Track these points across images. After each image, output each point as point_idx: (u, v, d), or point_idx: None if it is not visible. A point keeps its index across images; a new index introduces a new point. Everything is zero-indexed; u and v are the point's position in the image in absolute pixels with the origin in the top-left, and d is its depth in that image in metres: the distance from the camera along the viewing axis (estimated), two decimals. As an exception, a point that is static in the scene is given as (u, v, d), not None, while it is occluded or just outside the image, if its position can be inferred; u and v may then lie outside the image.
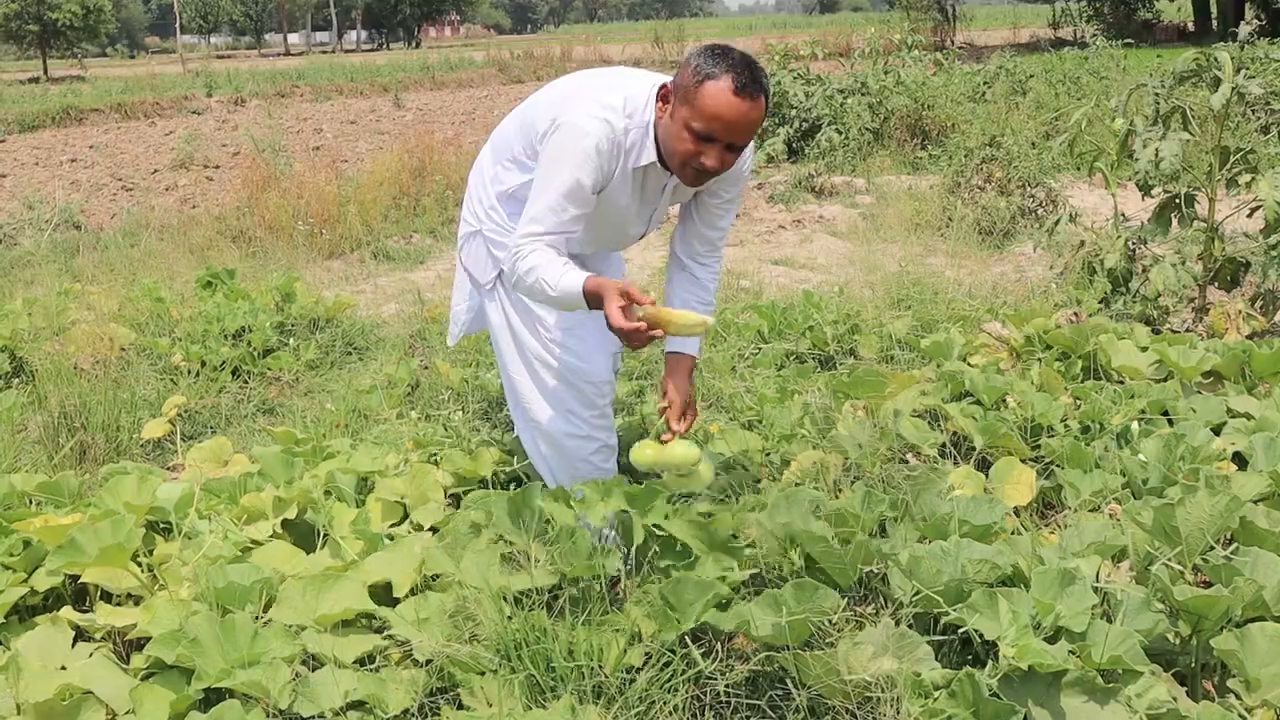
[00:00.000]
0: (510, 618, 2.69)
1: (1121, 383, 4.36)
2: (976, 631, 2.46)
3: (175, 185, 13.30)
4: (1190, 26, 38.70)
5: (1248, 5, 36.77)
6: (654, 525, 2.91)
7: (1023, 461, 3.62)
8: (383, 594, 3.00)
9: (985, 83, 14.23)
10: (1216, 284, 5.75)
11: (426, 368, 5.53)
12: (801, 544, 2.80)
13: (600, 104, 2.99)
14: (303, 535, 3.48)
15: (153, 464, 4.67)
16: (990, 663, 2.38)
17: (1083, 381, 4.31)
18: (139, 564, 3.13)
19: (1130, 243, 5.61)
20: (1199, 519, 2.83)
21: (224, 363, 5.60)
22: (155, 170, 14.70)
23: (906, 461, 3.60)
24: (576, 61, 35.79)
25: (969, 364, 4.55)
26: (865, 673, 2.31)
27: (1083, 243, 5.94)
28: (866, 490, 3.12)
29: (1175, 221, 5.66)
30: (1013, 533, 3.06)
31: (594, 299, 2.79)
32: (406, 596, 2.95)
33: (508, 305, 3.40)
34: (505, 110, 16.88)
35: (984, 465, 3.77)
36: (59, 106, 24.23)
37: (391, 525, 3.50)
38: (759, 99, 2.82)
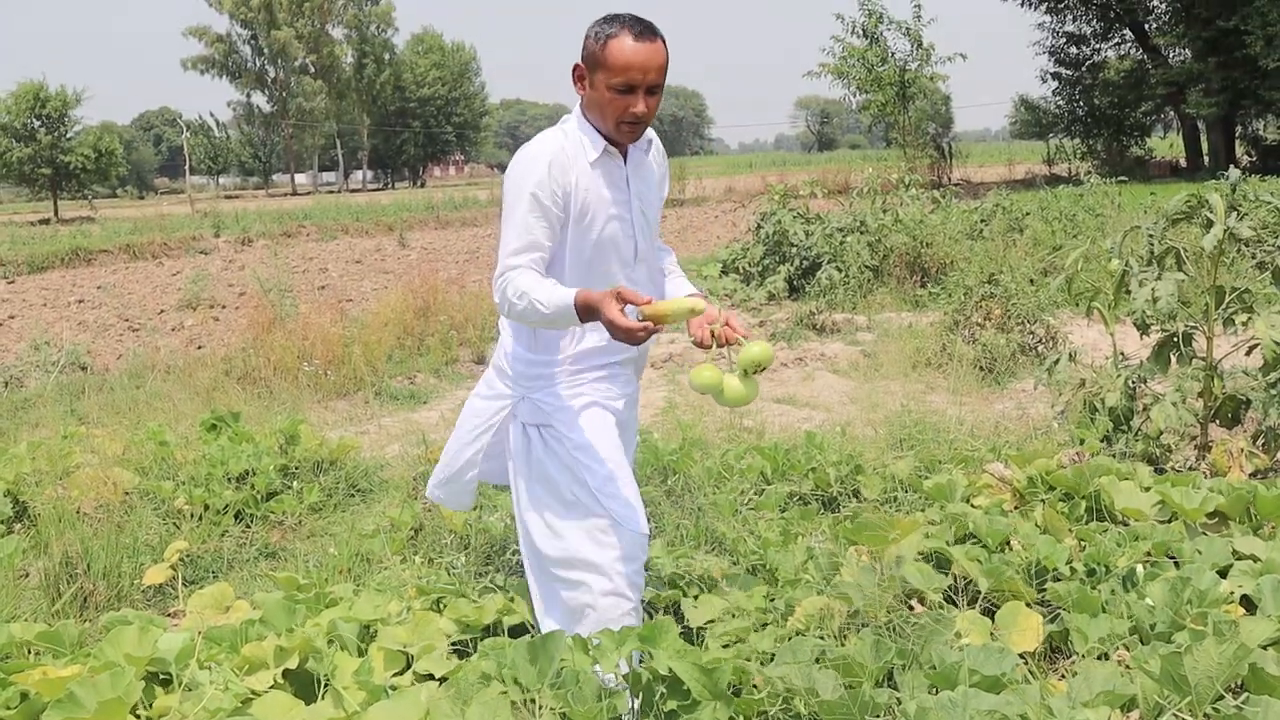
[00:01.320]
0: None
1: (1125, 524, 4.35)
2: (987, 786, 2.42)
3: (182, 325, 13.43)
4: (1182, 163, 39.37)
5: (1238, 142, 37.48)
6: (664, 668, 2.89)
7: (1028, 605, 3.60)
8: (384, 749, 2.96)
9: (982, 220, 14.44)
10: (1218, 421, 5.76)
11: (429, 510, 5.52)
12: (802, 697, 2.78)
13: (537, 138, 3.30)
14: (304, 685, 3.45)
15: (154, 610, 4.65)
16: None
17: (1086, 523, 4.31)
18: (137, 717, 3.10)
19: (1130, 381, 5.64)
20: (1207, 667, 2.80)
21: (227, 506, 5.60)
22: (162, 310, 14.86)
23: (912, 607, 3.58)
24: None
25: (972, 505, 4.55)
26: (874, 831, 2.27)
27: (1083, 381, 5.98)
28: (875, 639, 3.10)
29: (1174, 360, 5.71)
30: (1020, 681, 3.03)
31: (586, 310, 2.95)
32: (409, 751, 2.92)
33: (541, 450, 3.40)
34: (508, 250, 17.05)
35: (989, 610, 3.74)
36: (68, 248, 24.59)
37: (394, 674, 3.47)
38: (657, 40, 3.13)
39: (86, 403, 8.34)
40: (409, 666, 3.49)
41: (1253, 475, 5.18)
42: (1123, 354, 6.01)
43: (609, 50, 3.10)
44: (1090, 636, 3.34)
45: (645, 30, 3.12)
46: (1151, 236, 5.80)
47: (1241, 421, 5.78)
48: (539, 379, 3.42)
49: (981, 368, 8.59)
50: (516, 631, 3.50)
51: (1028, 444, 5.66)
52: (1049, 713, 2.70)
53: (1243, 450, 5.37)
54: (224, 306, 14.97)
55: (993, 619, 3.53)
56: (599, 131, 3.27)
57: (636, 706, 2.91)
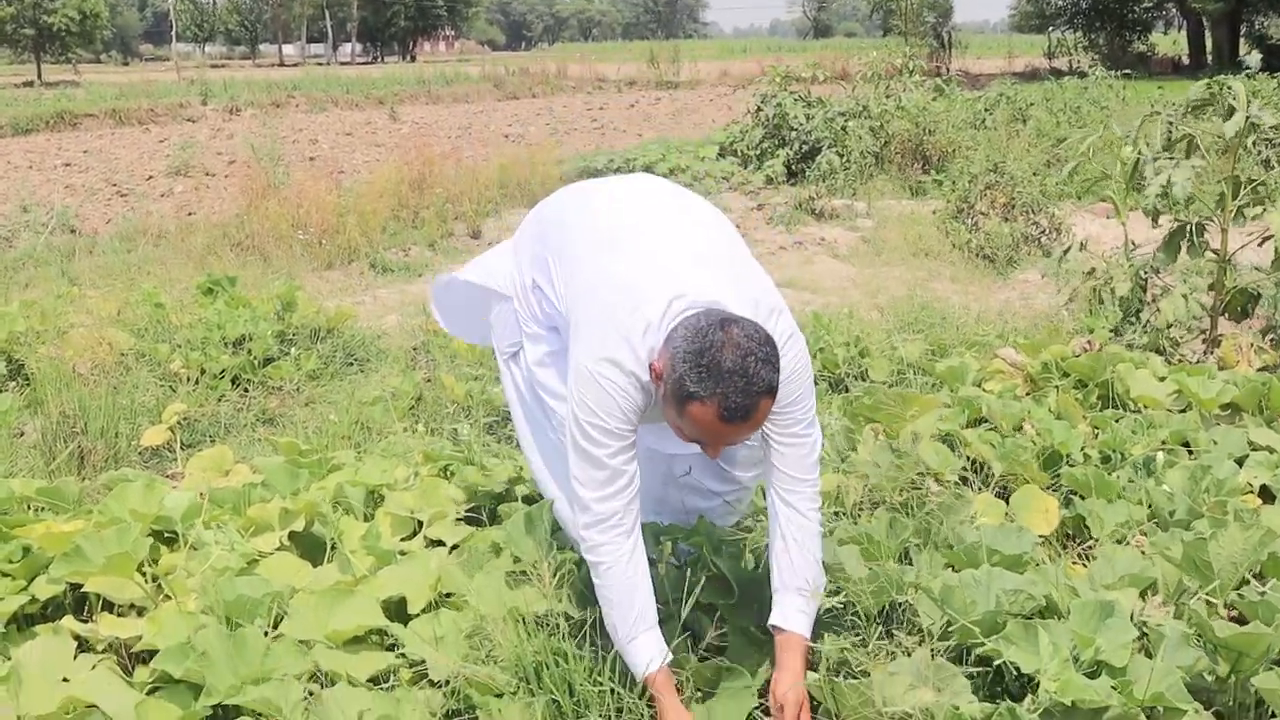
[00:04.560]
0: (530, 637, 2.62)
1: (1138, 412, 4.30)
2: (1012, 664, 2.39)
3: (171, 192, 13.22)
4: (1185, 60, 38.90)
5: (1242, 40, 36.98)
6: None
7: (1042, 490, 3.56)
8: (395, 611, 2.93)
9: (986, 109, 14.23)
10: (1226, 315, 5.71)
11: (430, 381, 5.45)
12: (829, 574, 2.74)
13: (624, 352, 2.50)
14: (310, 548, 3.41)
15: (151, 471, 4.59)
16: (1029, 697, 2.32)
17: (1101, 410, 4.26)
18: (143, 574, 3.05)
19: (1142, 272, 5.56)
20: (1231, 553, 2.77)
21: (224, 371, 5.52)
22: (150, 176, 14.62)
23: (926, 488, 3.53)
24: (572, 80, 35.79)
25: (984, 390, 4.50)
26: (903, 705, 2.24)
27: (1093, 270, 5.89)
28: (892, 517, 3.06)
29: (1185, 251, 5.63)
30: (1040, 562, 3.00)
31: (654, 695, 2.49)
32: (421, 614, 2.88)
33: (523, 378, 3.16)
34: (501, 126, 16.68)
35: (1002, 494, 3.70)
36: (53, 111, 24.15)
37: (402, 540, 3.42)
38: (754, 415, 2.36)
39: (78, 265, 8.22)
40: (417, 532, 3.45)
41: (1260, 370, 5.14)
42: (1133, 244, 5.92)
43: (688, 412, 2.36)
44: (1107, 521, 3.30)
45: (741, 407, 2.33)
46: (1170, 122, 5.69)
47: (1250, 315, 5.73)
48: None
49: (984, 256, 8.50)
50: (530, 501, 3.44)
51: (1035, 332, 5.60)
52: (1073, 593, 2.66)
53: (1251, 345, 5.32)
54: (213, 174, 14.72)
55: (1007, 502, 3.50)
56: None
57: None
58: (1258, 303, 5.63)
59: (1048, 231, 8.94)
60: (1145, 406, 4.27)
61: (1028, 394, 4.51)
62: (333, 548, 3.30)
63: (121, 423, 4.80)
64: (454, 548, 3.27)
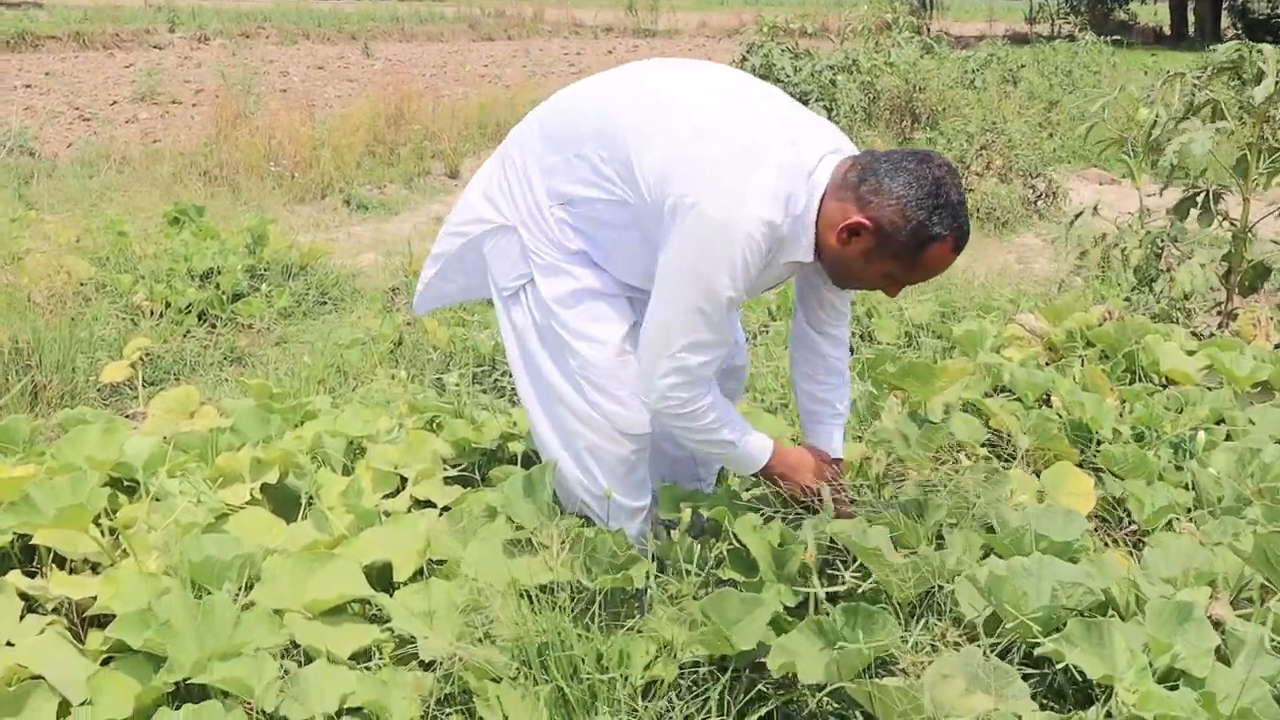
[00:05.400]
0: (534, 614, 2.35)
1: (1165, 386, 4.06)
2: (1076, 669, 2.14)
3: (136, 118, 12.74)
4: (1166, 30, 38.67)
5: (1224, 13, 36.81)
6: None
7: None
8: (379, 578, 2.65)
9: (976, 69, 13.93)
10: (1235, 289, 5.48)
11: (411, 324, 5.15)
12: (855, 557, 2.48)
13: (760, 198, 2.32)
14: (283, 503, 3.12)
15: (111, 410, 4.29)
16: (1097, 707, 2.07)
17: (1129, 383, 4.01)
18: (100, 527, 2.75)
19: (1159, 240, 5.32)
20: (1306, 547, 2.53)
21: (190, 305, 5.20)
22: (114, 102, 14.10)
23: (956, 461, 3.27)
24: (549, 24, 35.14)
25: (1003, 356, 4.24)
26: (960, 713, 1.98)
27: (1104, 236, 5.65)
28: (924, 493, 2.80)
29: (1195, 218, 5.40)
30: (1090, 549, 2.74)
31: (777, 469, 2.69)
32: (407, 583, 2.61)
33: (529, 319, 2.76)
34: (477, 67, 16.19)
35: (1027, 470, 3.45)
36: (14, 30, 23.35)
37: (384, 497, 3.13)
38: None
39: (36, 188, 7.80)
40: (401, 489, 3.15)
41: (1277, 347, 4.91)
42: (1147, 210, 5.68)
43: (924, 256, 2.35)
44: (1147, 504, 3.05)
45: (966, 234, 2.39)
46: (1195, 85, 5.42)
47: (1258, 290, 5.51)
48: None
49: (979, 218, 8.25)
50: (526, 461, 3.16)
51: (1049, 297, 5.35)
52: (1134, 588, 2.41)
53: (1271, 319, 5.09)
54: (180, 103, 14.22)
55: (1038, 478, 3.25)
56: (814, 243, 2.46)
57: (672, 568, 2.59)
58: (1267, 277, 5.41)
59: (1045, 195, 8.70)
60: (1175, 381, 4.02)
61: (1048, 363, 4.26)
62: (309, 503, 3.02)
63: (79, 357, 4.48)
64: (444, 510, 2.97)
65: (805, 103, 12.23)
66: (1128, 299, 5.28)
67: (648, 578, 2.50)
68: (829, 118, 11.56)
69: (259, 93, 11.76)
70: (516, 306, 2.79)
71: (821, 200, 2.40)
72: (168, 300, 5.18)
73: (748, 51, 13.58)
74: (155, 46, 24.46)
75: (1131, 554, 2.86)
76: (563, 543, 2.56)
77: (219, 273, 5.45)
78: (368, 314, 5.43)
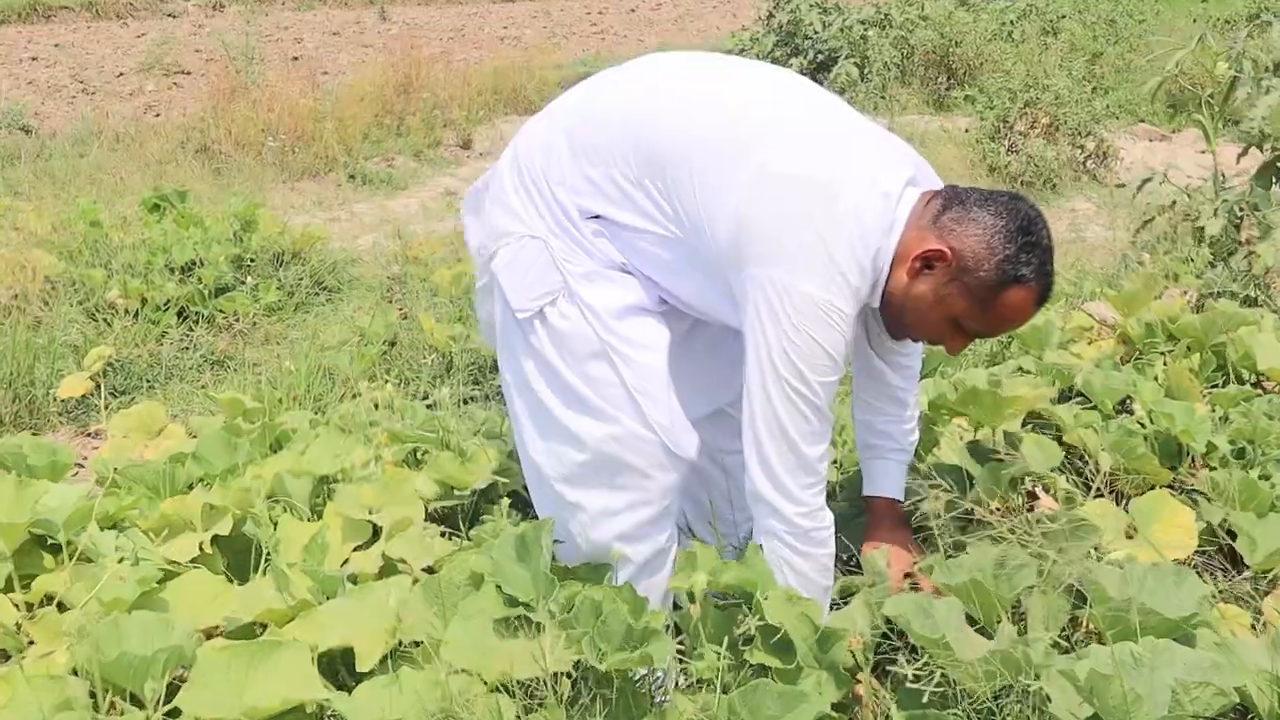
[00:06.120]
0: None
1: (1260, 386, 3.54)
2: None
3: (141, 90, 12.29)
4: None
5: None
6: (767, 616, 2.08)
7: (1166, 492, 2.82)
8: (341, 665, 2.18)
9: (1014, 20, 13.27)
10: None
11: (406, 319, 4.68)
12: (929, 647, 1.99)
13: (849, 259, 2.00)
14: (240, 554, 2.67)
15: (73, 426, 3.87)
16: None
17: (1220, 385, 3.48)
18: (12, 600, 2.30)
19: (1237, 208, 4.77)
20: None
21: (168, 301, 4.76)
22: (121, 74, 13.66)
23: (1029, 495, 2.75)
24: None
25: (1072, 354, 3.72)
26: None
27: (1173, 203, 5.11)
28: (1002, 552, 2.29)
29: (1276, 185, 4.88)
30: (1205, 621, 2.24)
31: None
32: (373, 672, 2.13)
33: (557, 339, 2.21)
34: (496, 29, 15.65)
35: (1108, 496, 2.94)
36: (25, 1, 22.99)
37: (355, 549, 2.67)
38: None
39: (20, 170, 7.36)
40: (375, 539, 2.68)
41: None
42: (1222, 174, 5.13)
43: (1003, 299, 2.03)
44: (1260, 544, 2.55)
45: (1050, 288, 2.07)
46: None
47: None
48: None
49: (1025, 182, 7.70)
50: (517, 503, 2.68)
51: (1114, 278, 4.82)
52: (1276, 683, 1.92)
53: (1364, 299, 4.56)
54: (188, 73, 13.76)
55: (1125, 509, 2.74)
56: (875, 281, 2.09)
57: (692, 644, 2.11)
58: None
59: (1094, 156, 8.13)
60: (1274, 381, 3.49)
61: (1124, 360, 3.73)
62: (268, 559, 2.56)
63: (38, 367, 4.05)
64: (421, 574, 2.49)
65: (834, 59, 11.68)
66: (1200, 276, 4.74)
67: (669, 656, 2.03)
68: (860, 76, 11.04)
69: (269, 61, 11.29)
70: (534, 327, 2.24)
71: (899, 240, 2.07)
72: (144, 297, 4.73)
73: (774, 7, 13.00)
74: (169, 15, 23.99)
75: (1249, 608, 2.36)
76: (565, 611, 2.08)
77: (201, 265, 5.00)
78: (363, 305, 4.96)
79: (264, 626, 2.36)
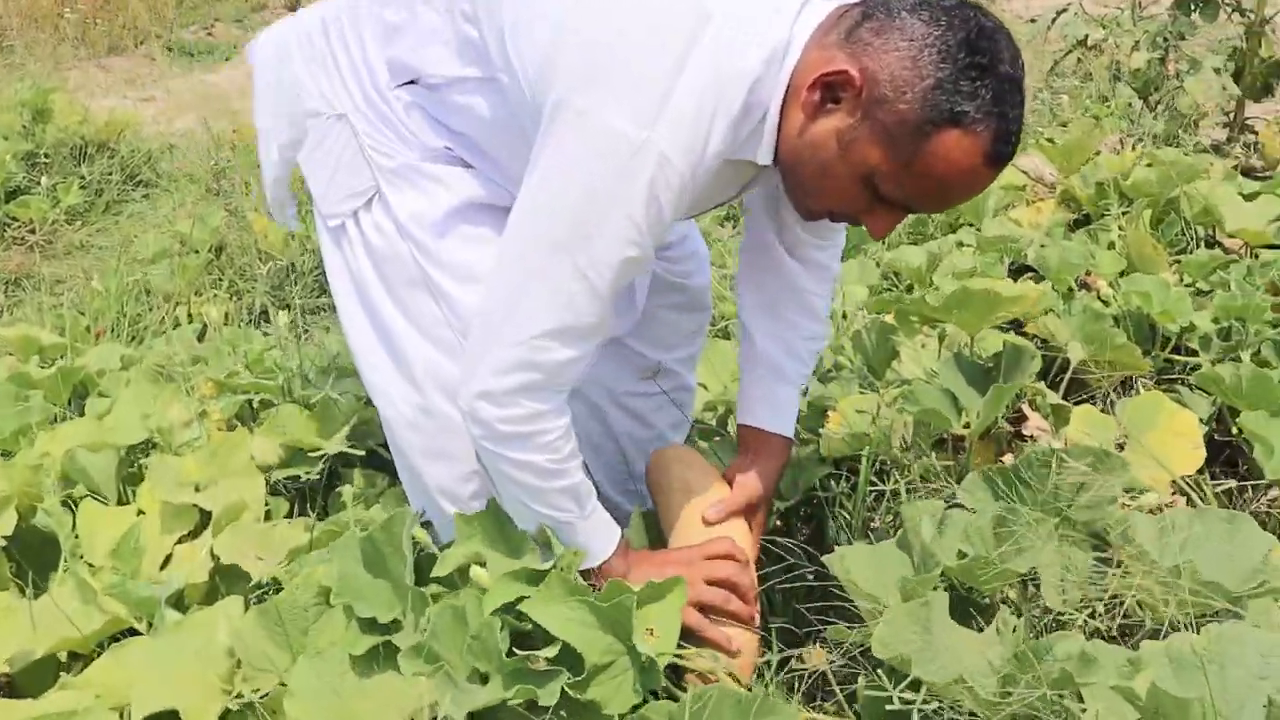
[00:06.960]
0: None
1: (1219, 246, 3.12)
2: None
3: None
4: None
5: None
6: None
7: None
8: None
9: None
10: (1243, 92, 4.58)
11: (233, 212, 4.02)
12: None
13: (690, 97, 1.39)
14: (32, 553, 2.09)
15: None
16: None
17: (1187, 251, 3.04)
18: None
19: (1164, 38, 4.34)
20: None
21: (-55, 212, 4.04)
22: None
23: (1020, 417, 2.27)
24: None
25: (1014, 221, 3.24)
26: None
27: (1085, 37, 4.66)
28: (994, 492, 1.81)
29: (1199, 12, 4.48)
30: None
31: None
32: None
33: (367, 255, 1.72)
34: None
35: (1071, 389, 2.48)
36: None
37: (179, 541, 2.09)
38: (1003, 165, 1.44)
39: None
40: (203, 528, 2.10)
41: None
42: (1139, 3, 4.70)
43: (935, 147, 1.37)
44: (1277, 449, 2.12)
45: (1008, 149, 1.39)
46: None
47: (1272, 93, 4.61)
48: None
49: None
50: (377, 463, 2.12)
51: (1038, 128, 4.34)
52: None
53: (1295, 128, 4.20)
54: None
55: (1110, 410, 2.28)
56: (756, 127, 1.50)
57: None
58: (1281, 80, 4.53)
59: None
60: (1245, 243, 3.06)
61: (1072, 227, 3.27)
62: (65, 563, 1.99)
63: None
64: (261, 592, 1.90)
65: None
66: (1127, 119, 4.32)
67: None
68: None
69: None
70: (348, 239, 1.75)
71: (796, 66, 1.45)
72: (-86, 208, 4.01)
73: None
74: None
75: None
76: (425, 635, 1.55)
77: (-15, 165, 4.27)
78: (184, 204, 4.29)
79: (66, 665, 1.82)
